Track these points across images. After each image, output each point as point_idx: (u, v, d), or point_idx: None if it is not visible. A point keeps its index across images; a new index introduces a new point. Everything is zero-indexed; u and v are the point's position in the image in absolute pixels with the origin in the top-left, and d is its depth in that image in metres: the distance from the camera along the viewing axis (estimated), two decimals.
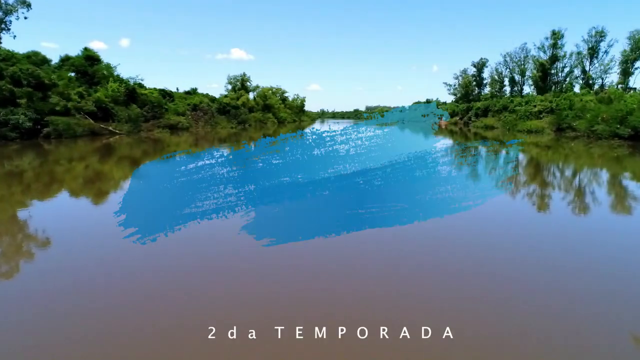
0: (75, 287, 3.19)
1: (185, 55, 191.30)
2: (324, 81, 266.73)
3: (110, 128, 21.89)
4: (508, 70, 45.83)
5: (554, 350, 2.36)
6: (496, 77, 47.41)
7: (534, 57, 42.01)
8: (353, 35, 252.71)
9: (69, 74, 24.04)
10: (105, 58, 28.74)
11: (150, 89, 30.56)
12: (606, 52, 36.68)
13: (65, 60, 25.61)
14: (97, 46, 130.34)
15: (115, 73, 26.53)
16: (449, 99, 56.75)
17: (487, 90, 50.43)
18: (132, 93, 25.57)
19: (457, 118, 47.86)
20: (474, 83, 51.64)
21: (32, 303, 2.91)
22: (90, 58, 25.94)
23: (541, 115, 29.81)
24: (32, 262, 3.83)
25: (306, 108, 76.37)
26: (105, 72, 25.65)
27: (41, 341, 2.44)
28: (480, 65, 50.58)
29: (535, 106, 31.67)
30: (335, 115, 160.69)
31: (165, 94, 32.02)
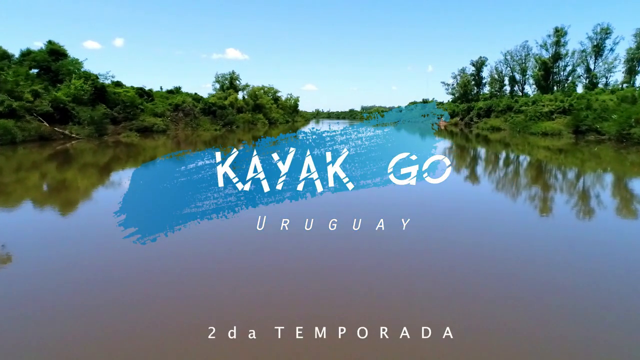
0: (73, 288, 3.36)
1: (180, 56, 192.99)
2: (319, 81, 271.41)
3: (66, 131, 20.76)
4: (509, 69, 47.78)
5: (554, 350, 2.53)
6: (496, 76, 49.33)
7: (536, 55, 44.02)
8: (348, 35, 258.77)
9: (29, 71, 23.37)
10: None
11: (127, 87, 30.36)
12: (612, 49, 38.61)
13: (26, 54, 25.15)
14: (91, 46, 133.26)
15: (84, 69, 25.88)
16: (446, 98, 58.59)
17: (486, 89, 52.35)
18: (102, 92, 25.31)
19: (458, 119, 49.32)
20: (473, 82, 53.57)
21: (31, 303, 3.13)
22: (54, 52, 25.50)
23: (553, 116, 29.81)
24: (27, 265, 4.00)
25: (301, 108, 77.52)
26: (71, 68, 25.02)
27: (40, 341, 2.61)
28: (479, 64, 52.64)
29: (544, 106, 31.57)
30: (330, 116, 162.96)
31: (143, 92, 31.88)
